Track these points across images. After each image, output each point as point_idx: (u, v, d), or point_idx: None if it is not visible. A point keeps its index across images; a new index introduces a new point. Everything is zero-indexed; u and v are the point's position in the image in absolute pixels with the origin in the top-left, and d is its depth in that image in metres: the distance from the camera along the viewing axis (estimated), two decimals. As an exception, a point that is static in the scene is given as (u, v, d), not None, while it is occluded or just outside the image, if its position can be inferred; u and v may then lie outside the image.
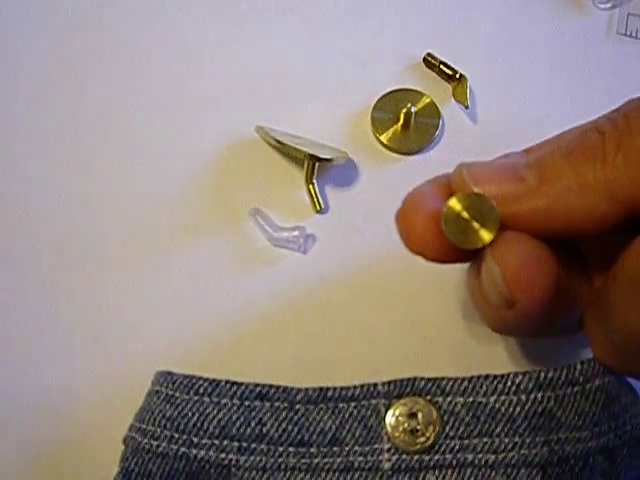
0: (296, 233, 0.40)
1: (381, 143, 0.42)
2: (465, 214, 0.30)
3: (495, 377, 0.34)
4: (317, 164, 0.40)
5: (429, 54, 0.43)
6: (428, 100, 0.43)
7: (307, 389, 0.34)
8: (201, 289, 0.39)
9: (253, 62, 0.44)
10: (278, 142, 0.40)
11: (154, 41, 0.45)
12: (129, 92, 0.44)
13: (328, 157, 0.39)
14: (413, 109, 0.41)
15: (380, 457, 0.34)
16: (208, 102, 0.43)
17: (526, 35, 0.44)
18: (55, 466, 0.37)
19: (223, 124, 0.43)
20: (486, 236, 0.29)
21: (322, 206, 0.40)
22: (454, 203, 0.30)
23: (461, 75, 0.42)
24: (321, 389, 0.34)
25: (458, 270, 0.39)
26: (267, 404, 0.34)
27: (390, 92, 0.43)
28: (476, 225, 0.29)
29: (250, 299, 0.39)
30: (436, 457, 0.34)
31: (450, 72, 0.43)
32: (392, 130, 0.42)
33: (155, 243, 0.40)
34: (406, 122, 0.42)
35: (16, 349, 0.39)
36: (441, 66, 0.43)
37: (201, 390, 0.34)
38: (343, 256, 0.40)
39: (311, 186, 0.40)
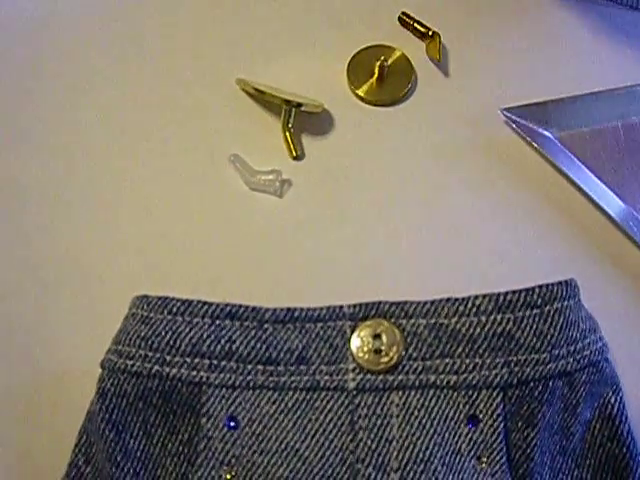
0: (272, 177, 0.41)
1: (356, 95, 0.44)
2: None
3: (456, 299, 0.35)
4: (293, 111, 0.41)
5: (404, 13, 0.45)
6: (400, 54, 0.44)
7: (275, 309, 0.35)
8: (182, 229, 0.41)
9: (236, 21, 0.46)
10: (257, 91, 0.42)
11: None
12: (111, 44, 0.45)
13: (303, 102, 0.41)
14: (386, 63, 0.43)
15: (345, 377, 0.35)
16: (192, 56, 0.45)
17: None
18: (35, 395, 0.38)
19: (206, 77, 0.44)
20: None
21: (298, 152, 0.42)
22: None
23: (434, 32, 0.44)
24: (289, 309, 0.35)
25: (425, 209, 0.41)
26: (237, 323, 0.35)
27: (365, 48, 0.45)
28: None
29: (227, 238, 0.41)
30: (399, 377, 0.35)
31: (424, 30, 0.44)
32: (367, 83, 0.44)
33: (137, 186, 0.42)
34: (380, 75, 0.43)
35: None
36: (415, 24, 0.44)
37: (174, 309, 0.35)
38: (317, 200, 0.41)
39: (287, 133, 0.42)
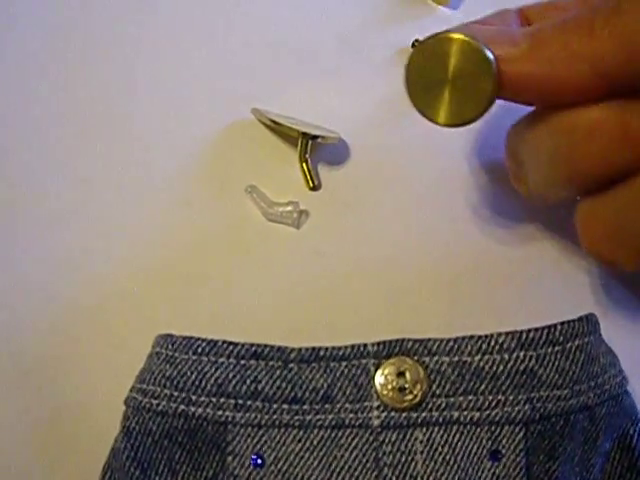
0: (290, 208, 0.41)
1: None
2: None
3: (479, 337, 0.35)
4: (310, 142, 0.41)
5: (417, 40, 0.45)
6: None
7: (300, 349, 0.35)
8: (198, 262, 0.41)
9: (251, 50, 0.46)
10: (273, 122, 0.42)
11: (152, 23, 0.46)
12: (128, 74, 0.45)
13: (320, 134, 0.41)
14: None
15: (370, 414, 0.35)
16: (207, 85, 0.45)
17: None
18: (57, 430, 0.39)
19: (221, 106, 0.44)
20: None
21: (315, 183, 0.42)
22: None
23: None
24: (314, 349, 0.35)
25: (444, 242, 0.41)
26: (262, 363, 0.35)
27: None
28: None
29: (245, 271, 0.41)
30: (423, 414, 0.35)
31: (437, 57, 0.44)
32: (383, 112, 0.44)
33: (154, 219, 0.42)
34: (395, 104, 0.43)
35: (17, 315, 0.40)
36: (429, 52, 0.45)
37: (199, 350, 0.35)
38: (335, 231, 0.42)
39: (304, 164, 0.42)
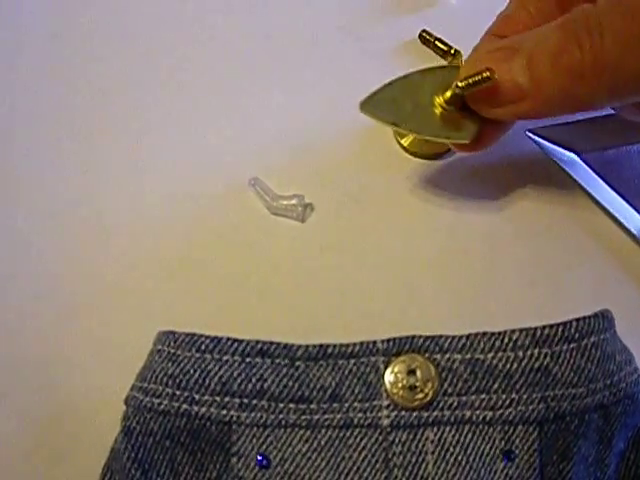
0: (294, 202, 0.40)
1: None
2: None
3: (492, 334, 0.34)
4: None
5: (424, 30, 0.44)
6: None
7: (307, 346, 0.34)
8: (202, 255, 0.40)
9: (251, 39, 0.45)
10: None
11: (152, 14, 0.46)
12: (133, 60, 0.44)
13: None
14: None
15: (379, 414, 0.34)
16: (204, 73, 0.44)
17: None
18: (55, 430, 0.38)
19: (228, 97, 0.43)
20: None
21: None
22: None
23: (456, 50, 0.43)
24: (321, 346, 0.34)
25: (455, 236, 0.40)
26: (268, 360, 0.34)
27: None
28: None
29: (249, 265, 0.40)
30: (434, 413, 0.34)
31: (445, 48, 0.43)
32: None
33: (157, 212, 0.41)
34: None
35: (15, 315, 0.39)
36: (436, 42, 0.44)
37: (203, 347, 0.34)
38: (341, 225, 0.41)
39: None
